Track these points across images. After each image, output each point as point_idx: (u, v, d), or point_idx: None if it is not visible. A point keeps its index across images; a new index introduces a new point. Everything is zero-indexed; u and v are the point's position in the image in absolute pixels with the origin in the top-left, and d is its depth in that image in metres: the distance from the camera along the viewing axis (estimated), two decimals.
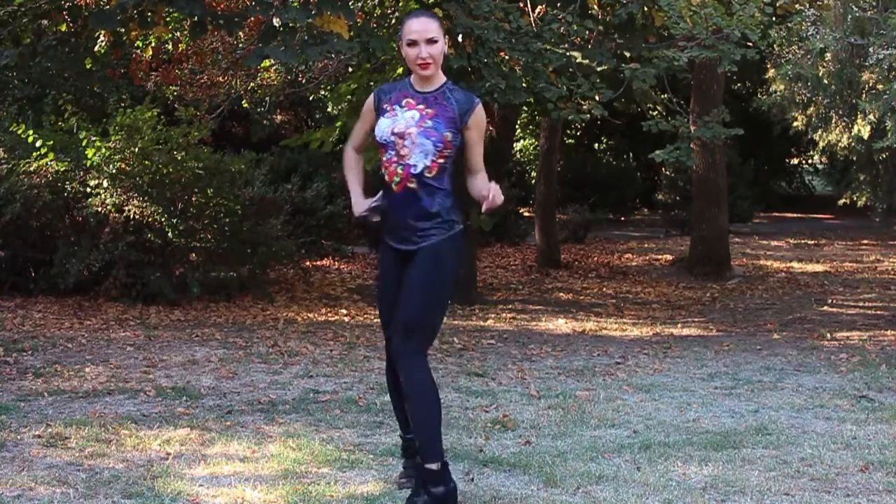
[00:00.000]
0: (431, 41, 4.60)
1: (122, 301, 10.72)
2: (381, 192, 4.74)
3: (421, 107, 4.65)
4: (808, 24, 9.70)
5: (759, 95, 17.04)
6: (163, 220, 10.88)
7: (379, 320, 4.93)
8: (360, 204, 4.76)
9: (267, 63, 12.43)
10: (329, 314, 10.89)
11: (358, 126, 4.94)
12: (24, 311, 10.22)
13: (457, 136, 4.65)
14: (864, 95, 10.55)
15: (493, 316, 10.92)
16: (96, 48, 11.34)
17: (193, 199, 11.34)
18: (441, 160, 4.61)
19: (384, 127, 4.65)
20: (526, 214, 19.58)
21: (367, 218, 4.72)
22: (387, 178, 4.66)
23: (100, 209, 10.87)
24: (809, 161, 28.04)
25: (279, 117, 19.93)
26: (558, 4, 10.42)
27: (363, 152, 4.98)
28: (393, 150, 4.63)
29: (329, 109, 14.41)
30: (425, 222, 4.61)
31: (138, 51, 12.64)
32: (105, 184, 10.93)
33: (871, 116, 11.20)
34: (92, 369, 7.53)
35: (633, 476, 5.01)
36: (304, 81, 13.89)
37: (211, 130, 12.74)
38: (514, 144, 24.03)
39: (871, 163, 16.05)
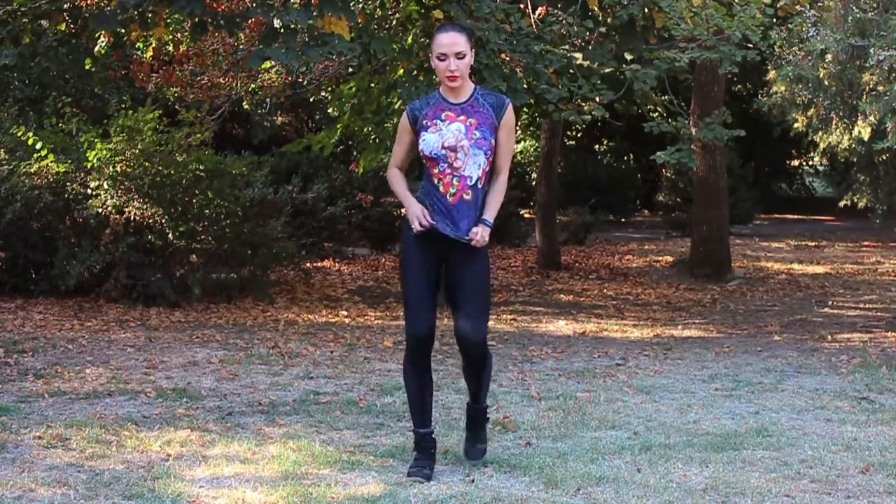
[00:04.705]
0: (459, 55, 4.97)
1: (122, 302, 10.72)
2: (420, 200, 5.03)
3: (462, 118, 4.97)
4: (809, 25, 9.70)
5: (759, 97, 17.01)
6: (163, 221, 10.89)
7: (400, 315, 5.19)
8: (420, 211, 4.97)
9: (268, 64, 12.42)
10: (329, 316, 10.89)
11: (396, 147, 5.22)
12: (25, 312, 10.22)
13: (496, 139, 5.00)
14: (864, 97, 10.52)
15: (493, 317, 10.90)
16: (96, 49, 11.34)
17: (194, 200, 11.34)
18: (487, 167, 4.99)
19: (432, 142, 4.96)
20: (526, 216, 19.57)
21: (429, 227, 4.96)
22: (441, 189, 4.98)
23: (100, 210, 10.88)
24: (810, 163, 27.98)
25: (280, 119, 19.92)
26: (559, 5, 10.41)
27: (405, 168, 5.25)
28: (445, 163, 4.95)
29: (330, 111, 14.40)
30: (476, 225, 4.97)
31: (139, 52, 12.63)
32: (106, 185, 10.93)
33: (871, 118, 11.17)
34: (92, 370, 7.54)
35: (634, 478, 5.01)
36: (304, 83, 13.88)
37: (212, 132, 12.74)
38: (515, 146, 24.08)
39: (872, 164, 16.02)
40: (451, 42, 4.94)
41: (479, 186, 4.95)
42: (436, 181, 4.97)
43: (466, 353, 5.09)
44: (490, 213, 4.98)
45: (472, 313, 4.99)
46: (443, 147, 4.91)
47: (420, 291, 5.02)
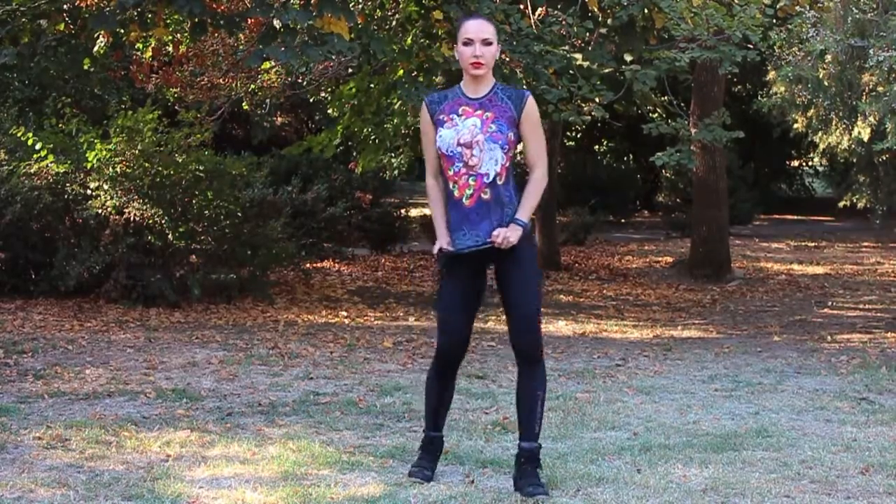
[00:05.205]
0: (486, 42, 4.75)
1: (122, 303, 10.72)
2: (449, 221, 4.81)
3: (479, 112, 4.77)
4: (809, 25, 9.70)
5: (759, 97, 17.02)
6: (163, 222, 10.89)
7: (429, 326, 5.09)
8: (446, 239, 4.81)
9: (267, 65, 12.42)
10: (329, 316, 10.89)
11: (426, 148, 4.92)
12: (25, 312, 10.22)
13: (516, 134, 4.78)
14: (864, 97, 10.53)
15: (493, 318, 10.90)
16: (96, 49, 11.34)
17: (194, 201, 11.34)
18: (507, 163, 4.74)
19: (448, 138, 4.74)
20: None
21: (450, 253, 4.78)
22: (456, 193, 4.75)
23: (100, 211, 10.88)
24: (810, 163, 28.00)
25: (280, 119, 19.93)
26: (559, 6, 10.42)
27: (440, 178, 4.91)
28: (461, 162, 4.72)
29: (330, 111, 14.41)
30: (505, 226, 4.72)
31: (138, 52, 12.63)
32: (105, 186, 10.93)
33: (871, 118, 11.20)
34: (92, 371, 7.53)
35: (634, 478, 5.01)
36: (304, 83, 13.88)
37: (212, 133, 12.74)
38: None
39: (872, 165, 16.05)
40: (479, 29, 4.75)
41: (500, 183, 4.70)
42: (451, 185, 4.75)
43: (519, 359, 4.99)
44: (523, 213, 4.74)
45: (519, 322, 4.87)
46: (458, 144, 4.70)
47: (451, 305, 4.89)
